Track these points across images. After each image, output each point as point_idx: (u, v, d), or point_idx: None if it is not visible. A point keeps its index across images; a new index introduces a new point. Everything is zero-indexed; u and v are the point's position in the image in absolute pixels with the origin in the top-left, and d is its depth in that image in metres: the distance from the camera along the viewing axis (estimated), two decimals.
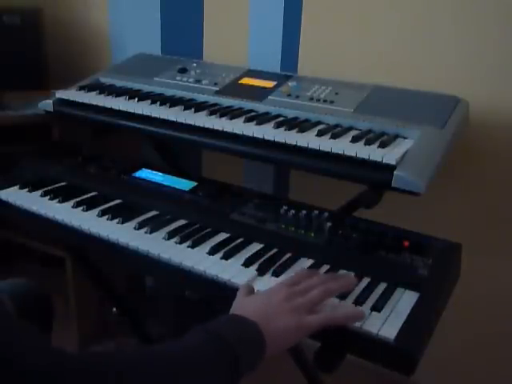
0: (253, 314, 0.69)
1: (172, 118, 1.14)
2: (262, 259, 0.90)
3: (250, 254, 0.92)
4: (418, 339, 0.72)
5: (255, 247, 0.95)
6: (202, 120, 1.10)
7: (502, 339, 1.40)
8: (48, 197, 1.12)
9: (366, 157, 0.92)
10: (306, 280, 0.78)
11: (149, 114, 1.17)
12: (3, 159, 1.25)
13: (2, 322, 0.51)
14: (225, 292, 0.84)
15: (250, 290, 0.79)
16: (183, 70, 1.36)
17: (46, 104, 1.32)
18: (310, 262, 0.91)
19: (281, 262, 0.90)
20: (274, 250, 0.94)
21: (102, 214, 1.04)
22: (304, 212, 1.01)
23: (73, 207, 1.07)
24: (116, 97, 1.25)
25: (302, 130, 1.02)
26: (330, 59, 1.39)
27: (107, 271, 1.46)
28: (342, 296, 0.80)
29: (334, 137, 0.99)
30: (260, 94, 1.20)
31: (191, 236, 0.96)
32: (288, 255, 0.92)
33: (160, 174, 1.21)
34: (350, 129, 1.05)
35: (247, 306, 0.73)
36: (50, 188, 1.16)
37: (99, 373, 0.53)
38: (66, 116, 1.31)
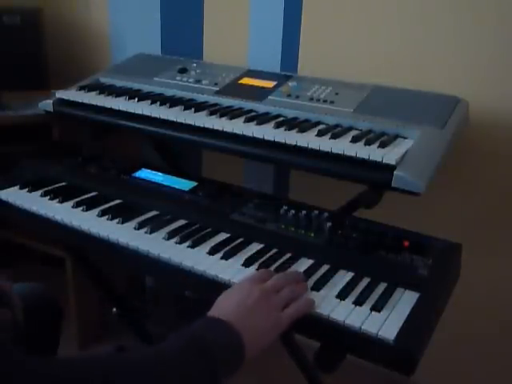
0: (230, 315, 0.69)
1: (172, 118, 1.14)
2: (262, 259, 0.90)
3: (250, 254, 0.92)
4: (418, 339, 0.72)
5: (255, 247, 0.95)
6: (201, 120, 1.10)
7: (502, 339, 1.40)
8: (48, 197, 1.12)
9: (366, 157, 0.92)
10: (270, 276, 0.80)
11: (149, 114, 1.17)
12: (3, 159, 1.25)
13: None
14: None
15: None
16: (183, 70, 1.36)
17: (46, 104, 1.33)
18: (309, 262, 0.91)
19: (281, 261, 0.90)
20: (274, 250, 0.94)
21: (102, 214, 1.04)
22: (304, 212, 1.01)
23: (73, 207, 1.07)
24: (116, 97, 1.25)
25: (302, 130, 1.02)
26: (329, 59, 1.39)
27: (107, 271, 1.46)
28: (342, 296, 0.80)
29: (333, 137, 0.99)
30: (260, 94, 1.20)
31: (191, 236, 0.96)
32: (288, 255, 0.92)
33: (160, 174, 1.21)
34: (350, 129, 1.06)
35: (225, 308, 0.72)
36: (49, 188, 1.16)
37: None
38: (65, 116, 1.31)
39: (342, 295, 0.80)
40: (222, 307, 0.73)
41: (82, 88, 1.33)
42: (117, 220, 1.02)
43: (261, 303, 0.73)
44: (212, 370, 0.62)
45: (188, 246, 0.93)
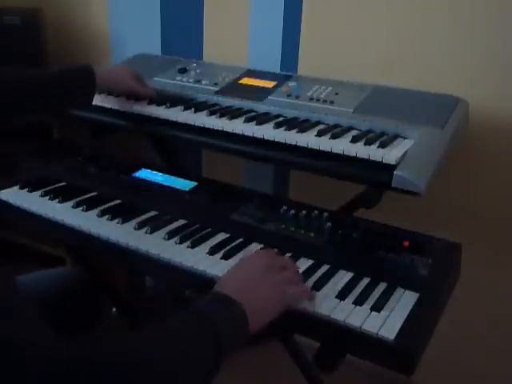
0: (234, 290, 0.70)
1: (172, 118, 1.14)
2: None
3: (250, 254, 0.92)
4: (418, 339, 0.72)
5: (255, 247, 0.95)
6: (201, 120, 1.10)
7: (502, 339, 1.40)
8: (48, 197, 1.12)
9: (366, 157, 0.92)
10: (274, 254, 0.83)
11: (148, 114, 1.17)
12: (3, 159, 1.25)
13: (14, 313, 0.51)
14: None
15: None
16: (183, 70, 1.36)
17: None
18: (309, 262, 0.91)
19: None
20: (274, 250, 0.93)
21: (102, 214, 1.04)
22: (304, 212, 1.01)
23: (73, 207, 1.07)
24: (116, 97, 1.25)
25: (301, 130, 1.02)
26: (330, 59, 1.39)
27: (107, 271, 1.46)
28: (342, 296, 0.80)
29: (333, 137, 0.99)
30: (260, 94, 1.20)
31: (191, 236, 0.96)
32: (288, 255, 0.92)
33: (160, 174, 1.21)
34: (350, 129, 1.06)
35: (229, 283, 0.73)
36: (50, 188, 1.16)
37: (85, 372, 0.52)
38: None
39: (342, 295, 0.80)
40: (227, 281, 0.73)
41: None
42: (117, 220, 1.02)
43: (265, 276, 0.74)
44: (217, 345, 0.62)
45: (188, 246, 0.93)
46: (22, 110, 1.07)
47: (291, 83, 1.22)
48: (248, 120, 1.08)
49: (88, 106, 1.18)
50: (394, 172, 0.88)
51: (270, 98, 1.18)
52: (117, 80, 1.17)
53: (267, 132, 1.03)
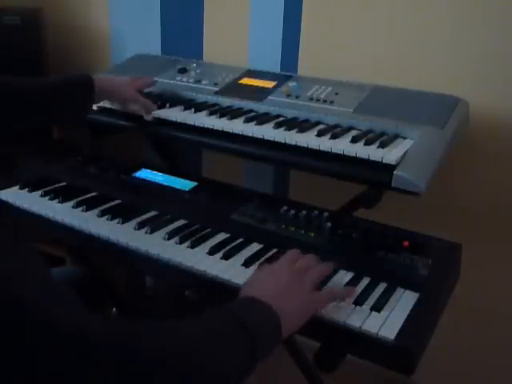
0: (265, 295, 0.69)
1: (172, 118, 1.14)
2: (262, 259, 0.90)
3: (250, 254, 0.92)
4: (418, 339, 0.72)
5: (255, 247, 0.95)
6: (201, 120, 1.10)
7: (502, 339, 1.40)
8: (48, 197, 1.12)
9: (366, 157, 0.92)
10: (299, 257, 0.81)
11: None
12: (3, 159, 1.25)
13: (45, 289, 0.51)
14: (225, 292, 0.84)
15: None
16: (183, 70, 1.36)
17: None
18: None
19: None
20: (274, 250, 0.94)
21: (102, 214, 1.04)
22: (304, 212, 1.01)
23: (73, 207, 1.07)
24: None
25: (301, 130, 1.02)
26: (329, 59, 1.39)
27: (107, 271, 1.46)
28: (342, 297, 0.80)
29: (333, 137, 0.99)
30: (260, 94, 1.20)
31: (191, 236, 0.96)
32: None
33: (160, 174, 1.21)
34: (349, 129, 1.06)
35: (260, 289, 0.72)
36: (50, 188, 1.16)
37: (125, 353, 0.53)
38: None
39: (342, 296, 0.80)
40: (257, 288, 0.73)
41: None
42: (117, 220, 1.02)
43: (293, 284, 0.74)
44: (252, 347, 0.62)
45: (188, 246, 0.93)
46: (21, 119, 1.07)
47: (291, 83, 1.22)
48: (248, 120, 1.08)
49: (85, 116, 1.17)
50: (394, 172, 0.88)
51: (269, 98, 1.18)
52: (116, 90, 1.16)
53: (267, 132, 1.03)
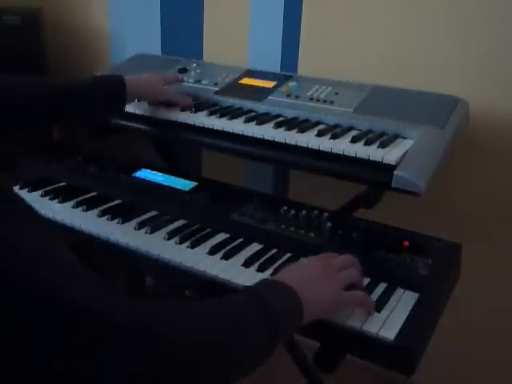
0: (291, 280, 0.70)
1: (172, 118, 1.14)
2: (262, 259, 0.90)
3: (250, 254, 0.92)
4: (418, 339, 0.72)
5: (255, 247, 0.95)
6: (201, 120, 1.10)
7: (502, 339, 1.40)
8: (48, 197, 1.12)
9: (366, 157, 0.92)
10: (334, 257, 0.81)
11: (148, 114, 1.17)
12: (3, 159, 1.25)
13: (58, 266, 0.50)
14: (225, 292, 0.84)
15: None
16: (183, 70, 1.36)
17: None
18: None
19: (281, 262, 0.90)
20: (274, 250, 0.94)
21: (102, 214, 1.04)
22: (304, 212, 1.01)
23: (73, 207, 1.07)
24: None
25: (301, 130, 1.02)
26: (329, 59, 1.39)
27: (107, 271, 1.46)
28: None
29: (333, 137, 0.99)
30: (260, 93, 1.20)
31: (191, 236, 0.96)
32: (288, 255, 0.92)
33: (160, 174, 1.21)
34: (350, 129, 1.06)
35: (286, 273, 0.74)
36: (50, 188, 1.16)
37: (146, 332, 0.52)
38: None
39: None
40: (285, 275, 0.74)
41: None
42: (117, 220, 1.02)
43: (322, 274, 0.74)
44: (273, 329, 0.63)
45: (188, 246, 0.93)
46: (48, 123, 1.06)
47: (291, 83, 1.22)
48: (248, 120, 1.08)
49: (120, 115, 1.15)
50: (394, 172, 0.88)
51: (269, 98, 1.18)
52: (146, 89, 1.13)
53: (267, 132, 1.03)
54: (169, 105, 1.17)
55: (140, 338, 0.51)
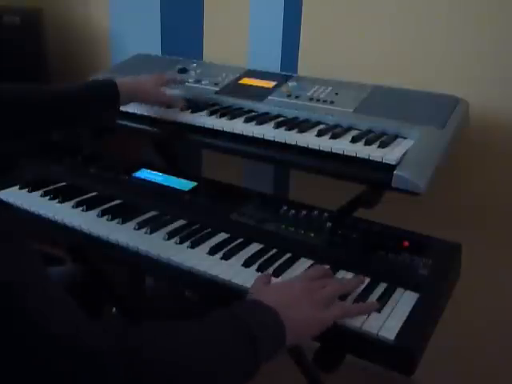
0: (274, 303, 0.69)
1: (172, 118, 1.14)
2: (262, 259, 0.90)
3: (250, 254, 0.92)
4: (418, 339, 0.72)
5: (255, 247, 0.95)
6: (201, 120, 1.10)
7: (502, 339, 1.40)
8: (48, 197, 1.12)
9: (366, 157, 0.92)
10: (321, 276, 0.80)
11: (148, 114, 1.17)
12: (3, 159, 1.25)
13: (40, 291, 0.51)
14: (225, 292, 0.84)
15: (268, 279, 0.80)
16: (183, 70, 1.36)
17: None
18: (309, 262, 0.91)
19: (281, 262, 0.90)
20: (274, 250, 0.93)
21: (102, 214, 1.04)
22: (304, 212, 1.01)
23: (73, 207, 1.07)
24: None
25: (301, 130, 1.02)
26: (329, 59, 1.39)
27: (107, 271, 1.46)
28: (342, 296, 0.80)
29: (333, 137, 0.99)
30: (260, 94, 1.20)
31: (191, 236, 0.96)
32: (288, 255, 0.92)
33: (160, 174, 1.21)
34: (349, 129, 1.06)
35: (269, 295, 0.73)
36: (50, 188, 1.16)
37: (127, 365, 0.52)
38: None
39: (342, 295, 0.80)
40: (267, 297, 0.72)
41: None
42: (117, 220, 1.02)
43: (303, 296, 0.73)
44: (252, 346, 0.62)
45: (188, 246, 0.93)
46: (47, 130, 1.08)
47: (291, 83, 1.22)
48: (248, 120, 1.08)
49: (113, 122, 1.16)
50: (394, 172, 0.88)
51: (270, 98, 1.18)
52: (140, 92, 1.13)
53: (267, 132, 1.03)
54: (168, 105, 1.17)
55: (115, 370, 0.51)
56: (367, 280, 0.85)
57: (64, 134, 1.23)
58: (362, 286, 0.83)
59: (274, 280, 0.84)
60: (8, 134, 1.01)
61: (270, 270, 0.87)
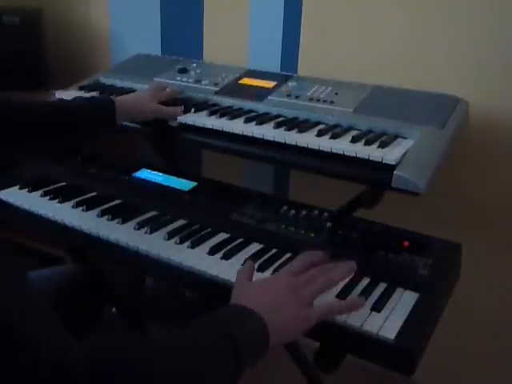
0: (257, 305, 0.68)
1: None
2: (262, 259, 0.90)
3: (250, 254, 0.92)
4: (418, 339, 0.72)
5: (255, 247, 0.95)
6: (202, 120, 1.10)
7: (502, 339, 1.40)
8: (48, 197, 1.12)
9: (366, 157, 0.92)
10: (307, 268, 0.78)
11: None
12: (3, 159, 1.25)
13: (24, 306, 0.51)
14: (225, 292, 0.84)
15: (251, 271, 0.78)
16: (183, 70, 1.36)
17: None
18: None
19: (281, 261, 0.90)
20: (274, 250, 0.93)
21: (102, 214, 1.04)
22: (304, 212, 1.01)
23: (73, 207, 1.07)
24: (116, 97, 1.25)
25: (301, 130, 1.02)
26: (329, 59, 1.39)
27: (107, 271, 1.46)
28: (342, 296, 0.80)
29: (333, 137, 0.99)
30: (260, 94, 1.20)
31: (191, 236, 0.96)
32: (288, 255, 0.92)
33: (160, 174, 1.21)
34: (349, 129, 1.06)
35: (252, 296, 0.72)
36: (50, 188, 1.16)
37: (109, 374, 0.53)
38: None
39: (342, 295, 0.80)
40: (250, 298, 0.71)
41: (82, 88, 1.33)
42: (117, 220, 1.02)
43: (287, 295, 0.72)
44: (234, 348, 0.62)
45: (188, 246, 0.93)
46: (47, 143, 1.09)
47: (291, 83, 1.22)
48: (248, 120, 1.08)
49: (111, 134, 1.17)
50: (394, 172, 0.88)
51: (269, 97, 1.18)
52: (136, 110, 1.15)
53: (267, 132, 1.03)
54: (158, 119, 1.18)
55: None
56: (367, 280, 0.85)
57: (63, 145, 1.24)
58: (362, 286, 0.83)
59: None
60: (8, 146, 1.03)
61: (270, 269, 0.87)
